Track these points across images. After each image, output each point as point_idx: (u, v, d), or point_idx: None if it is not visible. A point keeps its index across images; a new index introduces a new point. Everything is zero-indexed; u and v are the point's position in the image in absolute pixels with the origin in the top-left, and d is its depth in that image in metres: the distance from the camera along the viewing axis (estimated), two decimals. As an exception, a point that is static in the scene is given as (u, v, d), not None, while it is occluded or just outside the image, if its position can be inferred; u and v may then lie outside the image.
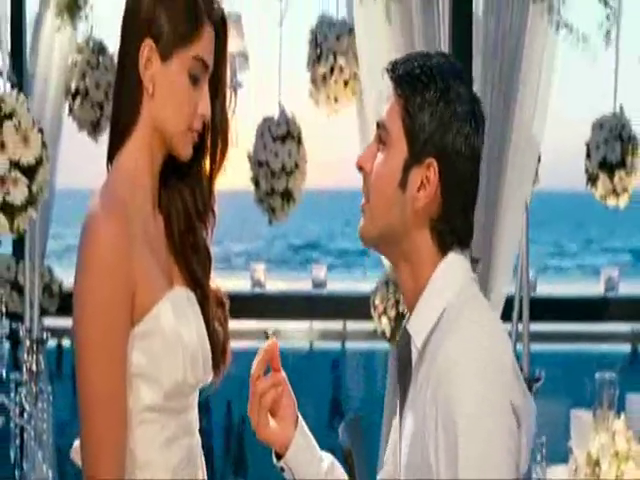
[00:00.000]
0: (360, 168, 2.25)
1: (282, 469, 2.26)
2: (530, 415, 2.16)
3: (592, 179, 5.39)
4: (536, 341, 6.37)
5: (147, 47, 2.30)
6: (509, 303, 4.11)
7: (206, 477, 2.48)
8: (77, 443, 2.32)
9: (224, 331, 2.42)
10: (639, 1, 4.79)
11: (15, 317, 4.86)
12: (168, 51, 2.32)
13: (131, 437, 2.25)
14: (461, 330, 2.11)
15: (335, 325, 6.76)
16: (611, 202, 5.37)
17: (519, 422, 2.06)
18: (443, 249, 2.22)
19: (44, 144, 3.81)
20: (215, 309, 2.43)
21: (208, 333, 2.36)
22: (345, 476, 2.34)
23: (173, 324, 2.27)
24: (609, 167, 5.33)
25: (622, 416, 4.44)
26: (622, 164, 5.32)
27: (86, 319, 2.20)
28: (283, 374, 2.32)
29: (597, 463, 4.48)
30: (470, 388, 2.04)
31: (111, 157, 2.38)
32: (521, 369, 3.39)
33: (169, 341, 2.26)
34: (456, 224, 2.24)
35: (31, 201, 3.85)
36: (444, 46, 4.57)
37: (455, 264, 2.24)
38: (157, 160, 2.38)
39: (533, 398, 3.52)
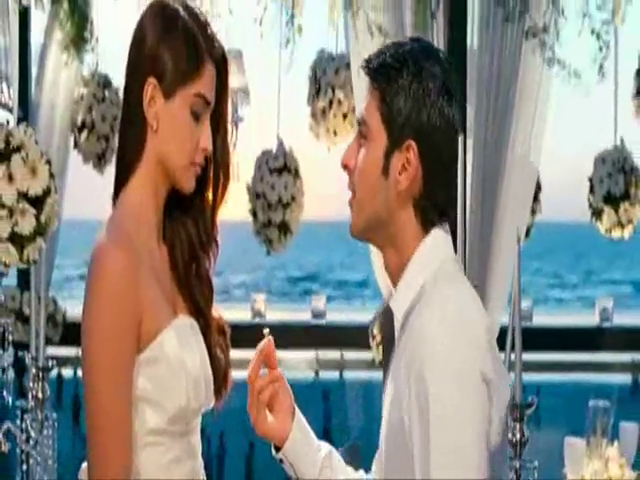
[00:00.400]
0: (345, 166, 2.31)
1: (281, 460, 2.34)
2: (503, 389, 2.20)
3: (597, 213, 5.45)
4: (535, 370, 6.57)
5: (151, 85, 2.38)
6: (503, 332, 4.22)
7: None
8: (85, 464, 2.37)
9: (225, 358, 2.50)
10: (631, 33, 4.85)
11: (20, 346, 4.93)
12: (171, 89, 2.40)
13: (136, 459, 2.31)
14: (435, 305, 2.17)
15: (334, 354, 6.83)
16: (616, 234, 5.43)
17: (490, 394, 2.11)
18: (426, 226, 2.28)
19: (52, 175, 3.84)
20: (217, 337, 2.50)
21: (210, 360, 2.43)
22: (342, 462, 2.40)
23: (177, 351, 2.35)
24: (614, 200, 5.39)
25: (615, 443, 4.42)
26: (626, 196, 5.38)
27: (94, 346, 2.27)
28: (279, 370, 2.38)
29: None
30: (441, 362, 2.11)
31: (117, 192, 2.46)
32: (514, 397, 3.51)
33: (173, 367, 2.33)
34: (438, 198, 2.31)
35: (39, 231, 3.90)
36: None
37: (437, 241, 2.30)
38: (161, 194, 2.46)
39: (525, 424, 3.61)
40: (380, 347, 4.99)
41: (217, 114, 2.48)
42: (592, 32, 4.39)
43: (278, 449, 2.37)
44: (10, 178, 3.83)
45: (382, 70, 2.31)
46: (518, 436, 3.61)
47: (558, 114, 5.12)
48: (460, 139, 3.28)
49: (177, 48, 2.41)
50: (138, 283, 2.32)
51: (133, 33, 2.46)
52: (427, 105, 2.29)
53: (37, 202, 3.86)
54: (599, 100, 5.24)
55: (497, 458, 2.25)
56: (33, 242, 3.87)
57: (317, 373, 7.06)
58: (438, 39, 4.61)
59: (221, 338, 2.52)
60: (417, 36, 2.63)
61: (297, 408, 2.46)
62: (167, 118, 2.42)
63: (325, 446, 2.38)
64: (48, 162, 3.84)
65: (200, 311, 2.48)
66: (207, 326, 2.48)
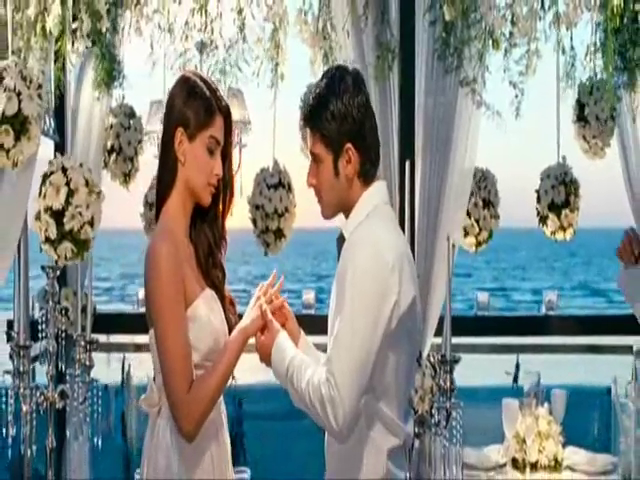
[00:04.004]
0: (310, 185, 3.09)
1: None
2: (405, 295, 2.93)
3: (542, 219, 5.76)
4: (498, 352, 7.11)
5: (179, 133, 3.11)
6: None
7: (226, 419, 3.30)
8: (143, 396, 3.15)
9: (234, 319, 3.24)
10: (541, 82, 5.25)
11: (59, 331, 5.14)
12: (193, 134, 3.12)
13: None
14: (363, 230, 2.95)
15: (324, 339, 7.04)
16: (559, 236, 5.74)
17: (391, 294, 2.87)
18: (366, 181, 3.03)
19: (71, 193, 4.55)
20: (229, 306, 3.26)
21: (226, 320, 3.20)
22: None
23: (206, 313, 3.11)
24: (556, 207, 5.70)
25: (545, 404, 5.20)
26: (567, 204, 5.70)
27: (161, 303, 2.98)
28: (287, 308, 3.22)
29: (524, 441, 5.17)
30: (357, 262, 2.89)
31: (159, 207, 3.19)
32: (445, 355, 4.32)
33: (204, 323, 3.10)
34: (370, 160, 3.03)
35: (64, 236, 4.58)
36: (394, 117, 5.10)
37: (377, 189, 3.05)
38: (188, 208, 3.19)
39: (454, 376, 4.37)
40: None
41: (224, 150, 3.21)
42: (510, 83, 4.82)
43: None
44: (44, 196, 4.61)
45: (312, 114, 3.03)
46: (448, 384, 4.36)
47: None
48: (408, 163, 4.18)
49: (197, 107, 3.12)
50: (179, 266, 3.02)
51: (167, 98, 3.19)
52: (349, 114, 2.97)
53: (58, 215, 4.56)
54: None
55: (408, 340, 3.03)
56: (60, 244, 4.57)
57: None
58: (393, 86, 5.09)
59: (231, 307, 3.29)
60: (329, 68, 3.23)
61: (302, 331, 3.24)
62: (191, 154, 3.13)
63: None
64: (67, 185, 4.55)
65: (216, 288, 3.21)
66: (222, 298, 3.22)
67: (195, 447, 3.07)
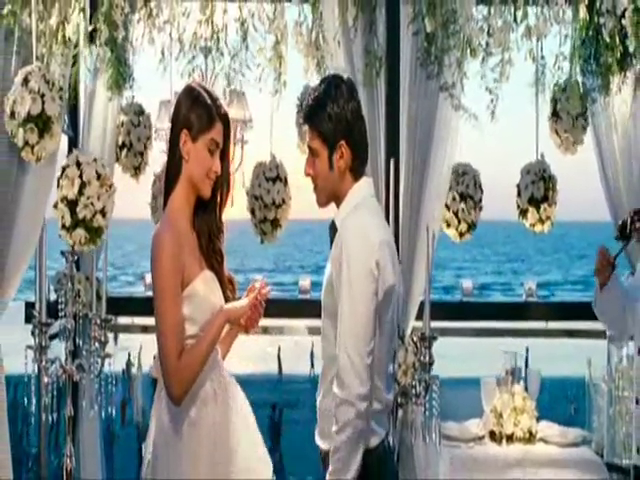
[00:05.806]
0: (307, 175, 3.39)
1: None
2: (389, 274, 3.24)
3: (523, 212, 5.90)
4: (481, 336, 7.31)
5: (184, 134, 3.40)
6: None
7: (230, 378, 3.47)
8: (152, 363, 3.52)
9: (232, 297, 3.49)
10: (514, 87, 5.43)
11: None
12: (196, 136, 3.40)
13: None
14: (353, 218, 3.27)
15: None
16: (538, 229, 5.86)
17: (379, 270, 3.20)
18: (356, 176, 3.34)
19: (84, 185, 4.87)
20: (228, 285, 3.53)
21: (224, 297, 3.47)
22: None
23: (205, 290, 3.38)
24: (535, 202, 5.83)
25: (521, 382, 5.46)
26: (545, 198, 5.83)
27: (161, 284, 3.24)
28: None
29: (501, 415, 5.43)
30: (349, 244, 3.24)
31: (166, 199, 3.47)
32: (424, 333, 4.57)
33: (202, 299, 3.38)
34: (360, 157, 3.31)
35: (77, 224, 4.89)
36: (381, 119, 5.27)
37: (365, 184, 3.36)
38: (191, 200, 3.46)
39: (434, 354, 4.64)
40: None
41: (223, 150, 3.49)
42: (486, 88, 5.08)
43: None
44: (62, 188, 4.96)
45: (311, 113, 3.34)
46: (427, 358, 4.63)
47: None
48: (393, 161, 4.49)
49: (199, 113, 3.40)
50: (180, 251, 3.30)
51: (174, 104, 3.47)
52: (344, 116, 3.28)
53: (72, 204, 4.89)
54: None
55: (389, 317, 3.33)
56: (74, 230, 4.88)
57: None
58: (380, 91, 5.27)
59: (230, 285, 3.51)
60: (327, 76, 3.54)
61: None
62: (194, 153, 3.42)
63: None
64: (80, 177, 4.87)
65: (215, 270, 3.44)
66: (221, 279, 3.49)
67: (191, 395, 3.35)
